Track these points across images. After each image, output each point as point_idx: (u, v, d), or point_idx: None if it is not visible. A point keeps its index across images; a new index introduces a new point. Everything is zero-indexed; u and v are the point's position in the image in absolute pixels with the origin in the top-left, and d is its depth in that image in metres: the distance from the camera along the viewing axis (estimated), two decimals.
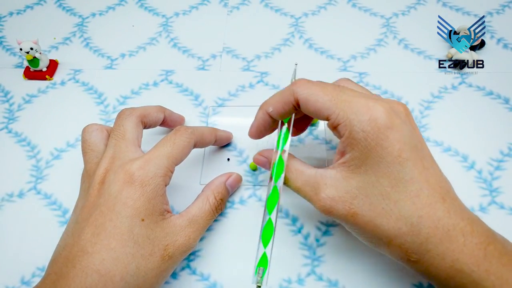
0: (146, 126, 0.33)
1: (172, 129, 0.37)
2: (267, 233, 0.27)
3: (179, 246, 0.28)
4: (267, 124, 0.30)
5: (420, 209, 0.24)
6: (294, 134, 0.34)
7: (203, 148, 0.38)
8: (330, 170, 0.27)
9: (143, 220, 0.27)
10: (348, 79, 0.30)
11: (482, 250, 0.23)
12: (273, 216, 0.27)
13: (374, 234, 0.25)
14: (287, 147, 0.30)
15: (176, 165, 0.30)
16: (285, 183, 0.29)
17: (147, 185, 0.27)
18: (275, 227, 0.27)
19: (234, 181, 0.35)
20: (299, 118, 0.33)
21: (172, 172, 0.30)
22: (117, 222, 0.26)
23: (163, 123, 0.35)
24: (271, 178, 0.29)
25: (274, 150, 0.30)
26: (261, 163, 0.33)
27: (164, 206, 0.29)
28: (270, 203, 0.28)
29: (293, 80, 0.31)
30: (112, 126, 0.32)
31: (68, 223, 0.29)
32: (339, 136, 0.26)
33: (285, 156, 0.29)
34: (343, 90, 0.27)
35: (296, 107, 0.28)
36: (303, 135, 0.39)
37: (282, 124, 0.31)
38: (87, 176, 0.30)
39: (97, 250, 0.25)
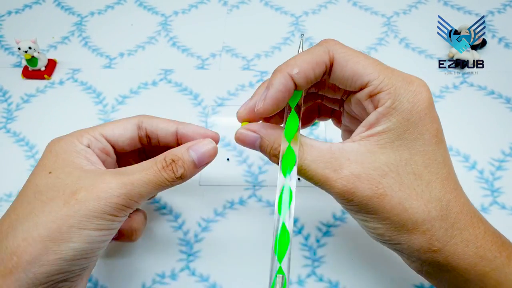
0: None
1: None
2: (282, 243, 0.22)
3: (94, 190, 0.23)
4: (288, 93, 0.23)
5: (449, 192, 0.23)
6: (302, 125, 0.30)
7: None
8: (351, 143, 0.23)
9: (50, 172, 0.25)
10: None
11: (500, 238, 0.23)
12: (287, 222, 0.22)
13: (399, 219, 0.23)
14: (298, 134, 0.24)
15: (105, 135, 0.28)
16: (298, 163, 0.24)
17: (56, 145, 0.26)
18: (290, 235, 0.22)
19: (202, 148, 0.27)
20: (307, 108, 0.30)
21: (93, 137, 0.27)
22: (26, 183, 0.25)
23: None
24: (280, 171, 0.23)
25: (282, 138, 0.24)
26: (249, 141, 0.25)
27: (82, 161, 0.25)
28: (282, 204, 0.23)
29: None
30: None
31: None
32: (374, 106, 0.23)
33: (296, 148, 0.23)
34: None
35: (328, 71, 0.24)
36: (303, 134, 0.39)
37: (290, 109, 0.25)
38: None
39: (6, 213, 0.24)
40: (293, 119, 0.24)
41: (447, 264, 0.23)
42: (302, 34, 0.29)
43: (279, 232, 0.22)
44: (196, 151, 0.26)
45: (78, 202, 0.23)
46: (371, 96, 0.23)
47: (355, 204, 0.23)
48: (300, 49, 0.28)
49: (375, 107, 0.23)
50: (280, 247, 0.22)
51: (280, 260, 0.21)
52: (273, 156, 0.25)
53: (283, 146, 0.24)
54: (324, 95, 0.29)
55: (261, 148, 0.25)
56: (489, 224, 0.24)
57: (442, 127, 0.36)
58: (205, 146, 0.27)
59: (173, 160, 0.25)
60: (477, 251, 0.22)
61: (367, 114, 0.24)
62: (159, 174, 0.25)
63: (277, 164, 0.24)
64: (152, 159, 0.26)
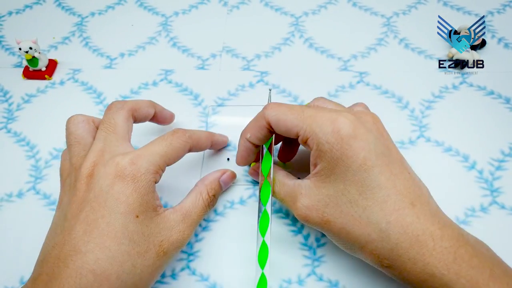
0: (136, 120, 0.33)
1: (162, 126, 0.38)
2: (262, 255, 0.28)
3: (173, 241, 0.28)
4: (250, 151, 0.32)
5: (389, 215, 0.25)
6: (285, 160, 0.36)
7: None
8: (306, 180, 0.28)
9: (137, 216, 0.26)
10: (323, 98, 0.32)
11: (452, 253, 0.23)
12: (266, 238, 0.28)
13: (347, 240, 0.26)
14: (271, 170, 0.31)
15: (168, 165, 0.30)
16: (272, 194, 0.31)
17: (139, 181, 0.27)
18: (269, 249, 0.28)
19: (228, 178, 0.34)
20: (286, 145, 0.35)
21: (163, 171, 0.29)
22: (110, 219, 0.26)
23: (153, 118, 0.35)
24: (259, 201, 0.30)
25: (260, 173, 0.31)
26: (256, 176, 0.35)
27: (156, 201, 0.28)
28: (262, 226, 0.29)
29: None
30: (100, 118, 0.31)
31: (54, 220, 0.28)
32: (310, 149, 0.27)
33: (270, 179, 0.31)
34: (308, 108, 0.28)
35: (271, 129, 0.29)
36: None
37: (263, 148, 0.32)
38: (73, 170, 0.29)
39: (90, 249, 0.25)
40: (267, 158, 0.31)
41: (402, 278, 0.25)
42: (270, 89, 0.36)
43: (259, 248, 0.28)
44: (224, 182, 0.34)
45: (165, 254, 0.28)
46: (304, 142, 0.28)
47: (313, 227, 0.28)
48: (269, 100, 0.35)
49: (311, 150, 0.27)
50: (261, 258, 0.28)
51: (262, 267, 0.27)
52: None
53: (261, 180, 0.31)
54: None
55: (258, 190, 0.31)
56: (446, 238, 0.24)
57: (442, 127, 0.37)
58: (231, 177, 0.35)
59: (214, 195, 0.32)
60: (425, 269, 0.24)
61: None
62: (207, 209, 0.32)
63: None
64: (197, 193, 0.32)
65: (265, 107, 0.29)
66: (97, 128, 0.31)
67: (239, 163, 0.33)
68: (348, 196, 0.26)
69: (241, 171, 0.37)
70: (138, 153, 0.28)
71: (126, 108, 0.31)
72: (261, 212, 0.29)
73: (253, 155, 0.32)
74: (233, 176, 0.35)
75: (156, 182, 0.28)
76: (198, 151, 0.34)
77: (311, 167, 0.28)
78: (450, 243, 0.24)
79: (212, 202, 0.32)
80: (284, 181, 0.30)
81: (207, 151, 0.38)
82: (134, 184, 0.27)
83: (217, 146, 0.37)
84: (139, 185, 0.27)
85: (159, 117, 0.36)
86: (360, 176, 0.25)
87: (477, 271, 0.23)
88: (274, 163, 0.32)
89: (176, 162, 0.30)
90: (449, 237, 0.24)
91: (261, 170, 0.31)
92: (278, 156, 0.36)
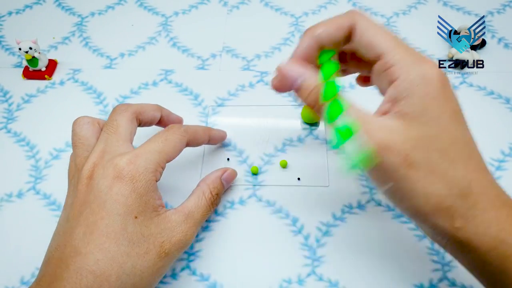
0: (141, 123, 0.33)
1: None
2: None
3: (175, 242, 0.28)
4: (309, 54, 0.26)
5: (471, 172, 0.23)
6: (344, 74, 0.31)
7: (203, 148, 0.38)
8: (381, 118, 0.24)
9: (136, 217, 0.26)
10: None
11: None
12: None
13: (424, 193, 0.23)
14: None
15: (167, 161, 0.29)
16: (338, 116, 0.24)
17: (137, 181, 0.27)
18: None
19: (230, 176, 0.34)
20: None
21: (163, 169, 0.29)
22: (109, 221, 0.26)
23: (160, 122, 0.35)
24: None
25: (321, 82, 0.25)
26: (291, 77, 0.26)
27: (157, 201, 0.28)
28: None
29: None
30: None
31: (58, 221, 0.29)
32: (391, 80, 0.24)
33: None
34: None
35: (348, 37, 0.25)
36: (303, 134, 0.39)
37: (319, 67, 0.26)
38: (76, 171, 0.29)
39: (90, 250, 0.25)
40: (330, 64, 0.25)
41: (468, 244, 0.23)
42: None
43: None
44: (226, 180, 0.34)
45: (167, 255, 0.27)
46: (386, 69, 0.24)
47: (382, 170, 0.23)
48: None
49: (391, 81, 0.24)
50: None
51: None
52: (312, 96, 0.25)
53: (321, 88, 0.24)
54: (347, 69, 0.30)
55: (301, 87, 0.25)
56: None
57: None
58: (232, 175, 0.35)
59: (217, 194, 0.32)
60: (499, 234, 0.22)
61: (387, 86, 0.24)
62: (210, 208, 0.31)
63: (312, 106, 0.25)
64: (200, 192, 0.31)
65: (352, 11, 0.26)
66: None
67: (286, 71, 0.26)
68: (438, 144, 0.23)
69: (241, 171, 0.37)
70: (136, 153, 0.28)
71: (130, 110, 0.31)
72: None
73: (307, 65, 0.26)
74: (234, 174, 0.35)
75: (157, 181, 0.28)
76: (196, 145, 0.34)
77: (387, 104, 0.24)
78: None
79: (215, 201, 0.32)
80: (354, 105, 0.25)
81: (207, 151, 0.38)
82: (132, 185, 0.26)
83: (215, 141, 0.37)
84: (137, 185, 0.27)
85: (166, 121, 0.35)
86: (453, 126, 0.23)
87: None
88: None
89: (177, 163, 0.30)
90: None
91: (324, 76, 0.25)
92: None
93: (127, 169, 0.27)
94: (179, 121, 0.38)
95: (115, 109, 0.31)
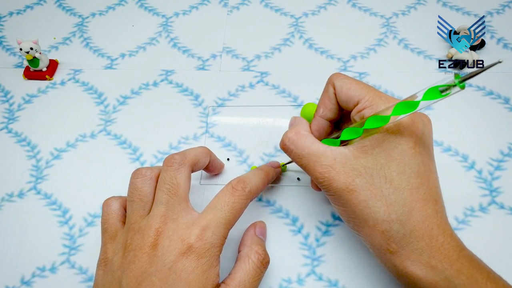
0: (192, 172, 0.31)
1: (159, 126, 0.36)
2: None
3: None
4: (322, 129, 0.31)
5: (415, 201, 0.25)
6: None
7: None
8: (342, 148, 0.27)
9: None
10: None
11: (457, 252, 0.25)
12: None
13: (362, 214, 0.26)
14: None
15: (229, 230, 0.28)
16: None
17: (203, 257, 0.26)
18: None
19: (262, 229, 0.33)
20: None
21: (225, 239, 0.28)
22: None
23: (207, 167, 0.34)
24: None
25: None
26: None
27: (216, 279, 0.27)
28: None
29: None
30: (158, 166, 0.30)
31: (100, 281, 0.27)
32: (360, 119, 0.27)
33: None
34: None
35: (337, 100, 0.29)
36: None
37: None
38: (131, 230, 0.27)
39: None
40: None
41: (403, 268, 0.25)
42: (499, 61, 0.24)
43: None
44: (262, 234, 0.32)
45: None
46: (359, 111, 0.27)
47: (329, 192, 0.27)
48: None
49: (361, 119, 0.27)
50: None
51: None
52: None
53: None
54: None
55: None
56: (454, 238, 0.25)
57: (441, 127, 0.37)
58: (263, 227, 0.33)
59: (263, 251, 0.30)
60: (429, 261, 0.24)
61: None
62: (260, 270, 0.29)
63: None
64: (245, 257, 0.29)
65: (331, 76, 0.30)
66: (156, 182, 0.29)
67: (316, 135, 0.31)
68: (386, 171, 0.26)
69: (241, 171, 0.37)
70: (203, 225, 0.26)
71: (188, 164, 0.29)
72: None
73: (324, 133, 0.31)
74: (264, 224, 0.34)
75: (220, 254, 0.27)
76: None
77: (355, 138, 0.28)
78: (457, 243, 0.25)
79: (264, 259, 0.29)
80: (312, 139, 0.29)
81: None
82: (197, 261, 0.26)
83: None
84: (202, 261, 0.26)
85: (210, 166, 0.34)
86: (405, 157, 0.25)
87: (477, 271, 0.24)
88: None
89: None
90: (457, 239, 0.25)
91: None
92: None
93: (195, 246, 0.26)
94: (221, 167, 0.37)
95: (171, 162, 0.29)
